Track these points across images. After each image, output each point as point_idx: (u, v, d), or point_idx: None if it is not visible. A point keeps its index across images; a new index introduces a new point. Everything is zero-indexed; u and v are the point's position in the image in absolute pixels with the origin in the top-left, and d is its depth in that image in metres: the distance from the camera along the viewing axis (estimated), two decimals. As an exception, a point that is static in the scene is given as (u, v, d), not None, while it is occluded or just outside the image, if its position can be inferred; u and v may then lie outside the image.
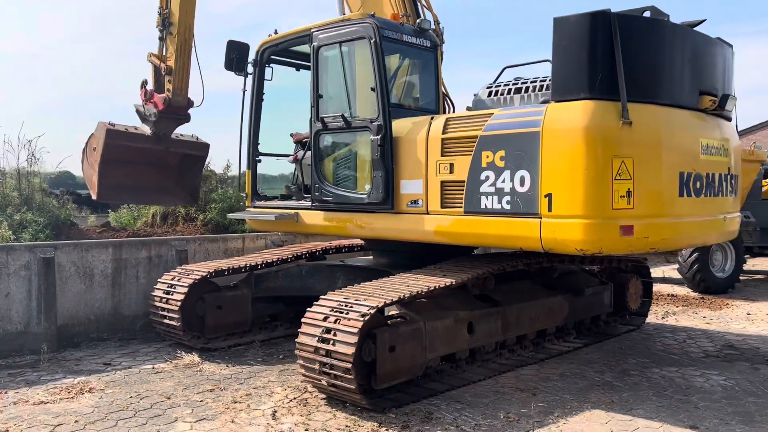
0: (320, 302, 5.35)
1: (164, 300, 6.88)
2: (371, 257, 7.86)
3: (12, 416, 4.90)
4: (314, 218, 6.66)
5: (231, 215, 7.66)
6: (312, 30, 6.52)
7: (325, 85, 6.51)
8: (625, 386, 5.71)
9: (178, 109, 9.79)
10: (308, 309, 5.34)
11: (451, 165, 5.43)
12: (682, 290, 10.98)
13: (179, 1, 10.25)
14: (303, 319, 5.27)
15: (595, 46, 4.70)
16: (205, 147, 10.51)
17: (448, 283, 5.52)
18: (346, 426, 4.74)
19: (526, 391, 5.56)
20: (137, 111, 9.94)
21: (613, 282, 7.92)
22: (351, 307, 5.05)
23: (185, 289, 6.76)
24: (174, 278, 7.03)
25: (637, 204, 4.70)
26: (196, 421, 4.83)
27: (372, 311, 4.93)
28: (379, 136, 5.81)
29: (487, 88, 6.05)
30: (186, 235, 11.15)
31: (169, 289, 6.91)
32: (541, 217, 4.85)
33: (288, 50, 7.36)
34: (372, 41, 5.88)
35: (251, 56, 7.32)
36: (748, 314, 9.11)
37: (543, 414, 4.99)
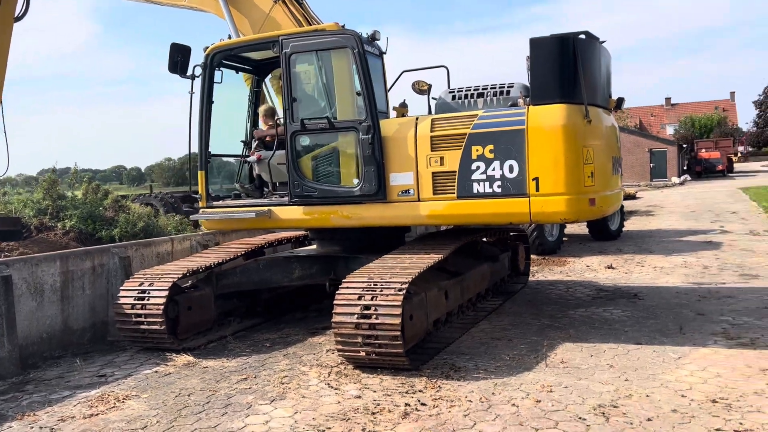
0: (347, 285, 6.03)
1: (140, 306, 6.82)
2: (314, 246, 8.52)
3: (84, 428, 4.82)
4: (292, 213, 7.17)
5: (194, 217, 7.69)
6: (280, 38, 6.99)
7: (299, 90, 7.05)
8: (564, 325, 7.33)
9: None
10: (338, 292, 5.97)
11: (442, 158, 6.48)
12: (526, 254, 13.30)
13: None
14: (336, 301, 5.91)
15: (563, 62, 6.11)
16: (17, 221, 10.64)
17: (438, 259, 6.58)
18: (402, 384, 5.57)
19: (503, 339, 6.88)
20: None
21: (508, 249, 9.63)
22: (384, 284, 5.84)
23: (165, 293, 6.80)
24: (143, 284, 6.98)
25: (596, 182, 6.25)
26: (270, 402, 5.26)
27: (406, 286, 5.80)
28: (369, 135, 6.60)
29: (449, 92, 7.18)
30: (52, 242, 10.61)
31: (143, 294, 6.87)
32: (529, 196, 6.16)
33: (237, 55, 7.65)
34: (355, 51, 6.62)
35: (200, 60, 7.47)
36: (587, 266, 11.58)
37: (533, 351, 6.34)
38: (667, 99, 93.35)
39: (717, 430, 4.36)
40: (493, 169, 6.27)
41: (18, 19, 10.67)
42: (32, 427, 4.94)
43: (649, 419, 4.57)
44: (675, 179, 43.52)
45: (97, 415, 5.13)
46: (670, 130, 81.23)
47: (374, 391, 5.41)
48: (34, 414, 5.22)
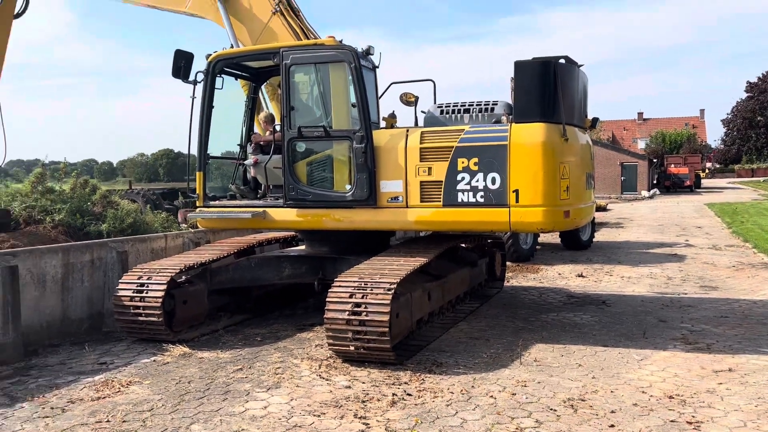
0: (338, 284, 6.46)
1: (138, 299, 7.16)
2: (303, 247, 8.93)
3: (94, 410, 5.18)
4: (286, 215, 7.58)
5: (191, 216, 8.03)
6: (281, 50, 7.41)
7: (297, 99, 7.47)
8: (537, 328, 7.86)
9: None
10: (330, 291, 6.40)
11: (429, 168, 6.96)
12: (502, 261, 13.86)
13: None
14: (328, 299, 6.34)
15: (544, 84, 6.64)
16: (6, 214, 10.97)
17: (424, 262, 7.05)
18: (388, 376, 6.02)
19: (481, 339, 7.37)
20: None
21: (486, 256, 10.16)
22: (374, 284, 6.29)
23: (163, 287, 7.15)
24: (141, 277, 7.32)
25: (570, 195, 6.79)
26: (267, 390, 5.67)
27: (394, 286, 6.26)
28: (362, 145, 7.05)
29: (438, 107, 7.67)
30: (41, 235, 10.85)
31: (141, 287, 7.21)
32: (509, 207, 6.67)
33: (238, 64, 8.05)
34: (352, 65, 7.07)
35: (203, 67, 7.85)
36: (559, 274, 12.17)
37: (508, 350, 6.84)
38: (640, 113, 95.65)
39: (672, 421, 4.89)
40: (477, 181, 6.76)
41: (18, 15, 10.93)
42: (44, 408, 5.28)
43: (612, 411, 5.09)
44: (644, 193, 44.76)
45: (104, 398, 5.48)
46: (641, 145, 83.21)
47: (363, 383, 5.85)
48: (43, 396, 5.55)
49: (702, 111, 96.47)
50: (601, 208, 29.55)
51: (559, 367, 6.27)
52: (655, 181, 52.04)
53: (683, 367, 6.20)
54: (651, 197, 43.73)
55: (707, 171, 68.47)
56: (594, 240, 16.31)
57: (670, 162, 56.40)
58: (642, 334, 7.44)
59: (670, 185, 52.64)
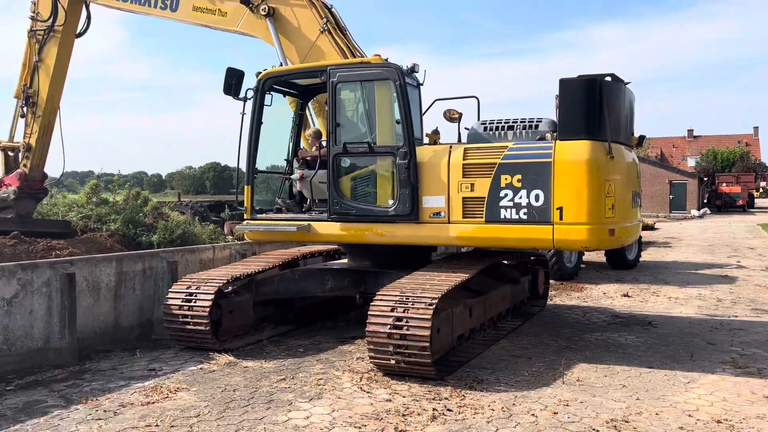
0: (380, 298, 6.53)
1: (187, 308, 7.38)
2: (346, 260, 9.05)
3: (144, 414, 5.36)
4: (330, 228, 7.72)
5: (239, 228, 8.25)
6: (328, 68, 7.59)
7: (343, 115, 7.64)
8: (580, 347, 7.76)
9: (33, 183, 11.07)
10: (372, 304, 6.48)
11: (472, 184, 7.00)
12: (545, 279, 13.72)
13: (47, 85, 11.19)
14: (370, 312, 6.42)
15: (589, 102, 6.63)
16: (68, 224, 11.47)
17: (465, 278, 7.08)
18: (429, 391, 6.05)
19: (523, 357, 7.33)
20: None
21: (529, 273, 10.09)
22: (416, 299, 6.35)
23: (211, 297, 7.36)
24: (190, 287, 7.54)
25: (616, 214, 6.73)
26: (309, 401, 5.77)
27: (435, 301, 6.30)
28: (406, 161, 7.15)
29: (481, 124, 7.73)
30: (98, 243, 11.24)
31: (190, 297, 7.43)
32: (553, 224, 6.66)
33: (287, 81, 8.28)
34: (397, 83, 7.20)
35: (253, 84, 8.09)
36: (604, 293, 11.98)
37: (551, 369, 6.78)
38: (690, 131, 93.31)
39: (719, 446, 4.78)
40: (520, 197, 6.77)
41: (79, 35, 11.49)
42: (97, 410, 5.50)
43: (657, 434, 5.01)
44: (694, 212, 43.59)
45: (153, 403, 5.67)
46: (691, 163, 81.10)
47: (403, 397, 5.89)
48: (96, 399, 5.78)
49: (756, 128, 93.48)
50: (648, 227, 28.91)
51: (602, 387, 6.19)
52: (705, 200, 50.66)
53: (732, 392, 6.05)
54: (701, 216, 42.55)
55: (761, 190, 66.27)
56: (640, 259, 16.00)
57: (722, 180, 54.85)
58: (689, 357, 7.28)
59: (721, 204, 51.18)
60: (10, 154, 11.63)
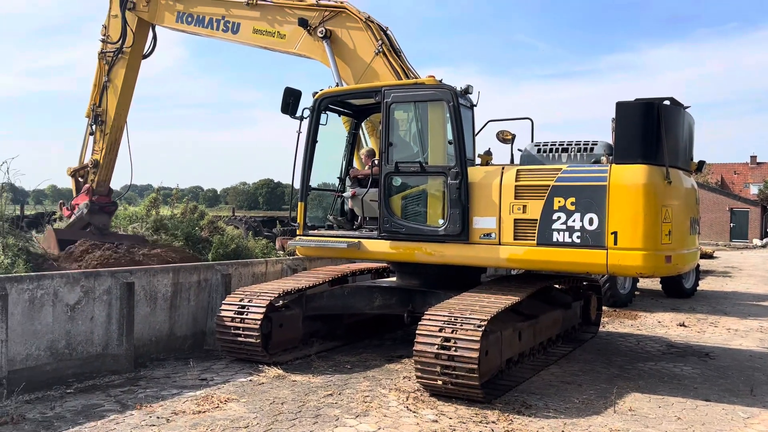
0: (428, 317, 6.53)
1: (239, 320, 7.54)
2: (394, 279, 9.09)
3: (195, 422, 5.50)
4: (379, 246, 7.78)
5: (291, 243, 8.41)
6: (383, 89, 7.71)
7: (396, 135, 7.73)
8: (633, 376, 7.55)
9: (101, 198, 11.64)
10: (420, 323, 6.49)
11: (524, 206, 6.96)
12: (597, 305, 13.41)
13: (115, 104, 11.74)
14: (418, 331, 6.42)
15: (647, 125, 6.53)
16: (142, 239, 11.97)
17: (515, 301, 7.00)
18: (476, 414, 5.99)
19: (573, 383, 7.18)
20: (72, 224, 11.60)
21: (581, 298, 9.89)
22: (464, 320, 6.32)
23: (262, 310, 7.50)
24: (243, 300, 7.71)
25: (673, 240, 6.57)
26: (355, 417, 5.79)
27: (485, 323, 6.26)
28: (457, 181, 7.17)
29: (535, 145, 7.69)
30: (159, 256, 11.58)
31: (242, 309, 7.59)
32: (607, 249, 6.54)
33: (342, 101, 8.45)
34: (451, 105, 7.25)
35: (309, 103, 8.29)
36: (659, 322, 11.63)
37: (602, 397, 6.62)
38: (753, 157, 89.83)
39: (780, 486, 4.57)
40: (574, 221, 6.69)
41: (146, 56, 12.01)
42: (150, 416, 5.66)
43: (713, 469, 4.82)
44: (757, 241, 41.87)
45: (204, 412, 5.81)
46: (754, 190, 77.98)
47: (450, 418, 5.86)
48: (150, 406, 5.95)
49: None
50: (707, 255, 27.95)
51: (656, 418, 6.00)
52: (768, 229, 48.56)
53: (796, 430, 5.77)
54: (764, 246, 40.82)
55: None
56: (698, 288, 15.47)
57: (787, 209, 52.47)
58: (749, 391, 6.99)
59: (785, 234, 48.91)
60: (80, 179, 12.25)
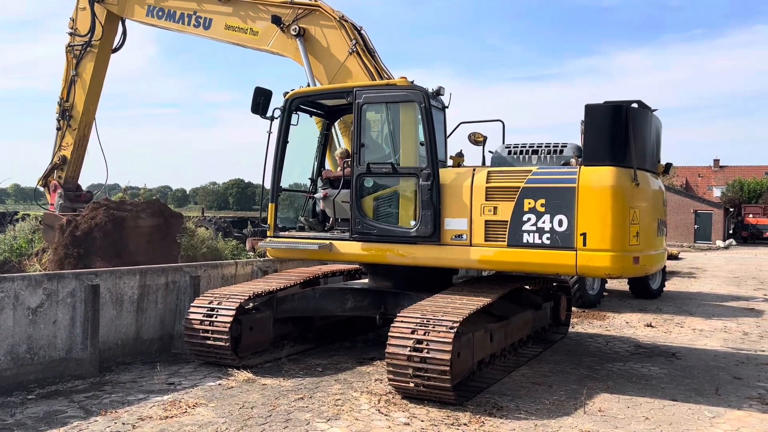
0: (401, 319, 6.50)
1: (208, 323, 7.41)
2: (366, 280, 9.04)
3: (162, 428, 5.38)
4: (351, 248, 7.73)
5: (261, 244, 8.31)
6: (354, 89, 7.67)
7: (367, 136, 7.69)
8: (602, 376, 7.63)
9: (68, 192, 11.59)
10: (392, 325, 6.45)
11: (495, 208, 6.98)
12: (566, 306, 13.54)
13: (83, 98, 11.54)
14: (390, 333, 6.38)
15: (615, 128, 6.61)
16: None
17: (487, 303, 7.02)
18: (447, 416, 5.98)
19: (543, 384, 7.22)
20: (60, 206, 11.53)
21: (551, 299, 9.97)
22: (436, 321, 6.31)
23: (232, 313, 7.38)
24: (212, 302, 7.58)
25: (641, 241, 6.65)
26: (326, 421, 5.73)
27: (457, 325, 6.25)
28: (429, 182, 7.16)
29: (506, 147, 7.72)
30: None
31: (211, 312, 7.46)
32: (576, 250, 6.59)
33: (313, 101, 8.37)
34: (422, 105, 7.24)
35: (280, 103, 8.19)
36: (627, 322, 11.79)
37: (572, 398, 6.67)
38: (716, 161, 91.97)
39: (746, 484, 4.64)
40: (543, 222, 6.73)
41: (115, 50, 11.77)
42: (115, 423, 5.52)
43: (681, 469, 4.88)
44: (720, 242, 42.88)
45: (171, 417, 5.68)
46: (717, 193, 79.88)
47: (422, 421, 5.83)
48: (115, 412, 5.81)
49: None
50: (672, 257, 28.50)
51: (624, 418, 6.06)
52: (731, 231, 49.83)
53: (759, 429, 5.89)
54: (726, 247, 41.83)
55: (789, 222, 64.85)
56: (664, 289, 15.74)
57: (748, 212, 53.89)
58: (714, 391, 7.11)
59: (747, 236, 50.28)
60: (56, 155, 12.01)
